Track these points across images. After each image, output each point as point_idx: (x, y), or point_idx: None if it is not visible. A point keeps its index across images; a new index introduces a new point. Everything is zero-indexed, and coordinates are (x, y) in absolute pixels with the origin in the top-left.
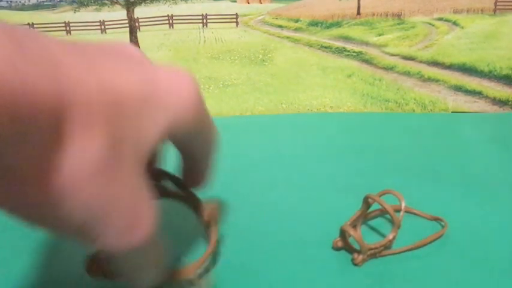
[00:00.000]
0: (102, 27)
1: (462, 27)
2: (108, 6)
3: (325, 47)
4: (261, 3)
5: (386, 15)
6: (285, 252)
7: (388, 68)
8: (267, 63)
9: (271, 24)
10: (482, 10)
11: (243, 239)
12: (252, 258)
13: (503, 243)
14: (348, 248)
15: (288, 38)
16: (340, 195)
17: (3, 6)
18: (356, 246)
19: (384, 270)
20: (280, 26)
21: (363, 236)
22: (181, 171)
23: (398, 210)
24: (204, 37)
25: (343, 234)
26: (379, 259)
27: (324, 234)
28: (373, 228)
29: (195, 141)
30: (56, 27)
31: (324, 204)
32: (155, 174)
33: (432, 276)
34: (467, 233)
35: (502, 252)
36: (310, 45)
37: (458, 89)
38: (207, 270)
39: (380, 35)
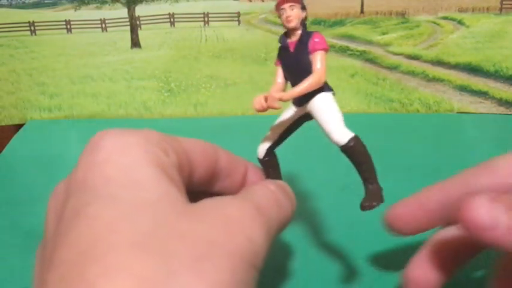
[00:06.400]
0: (103, 25)
1: (467, 27)
2: (109, 5)
3: (328, 46)
4: (263, 1)
5: (390, 14)
6: (284, 252)
7: (392, 68)
8: (269, 62)
9: (274, 23)
10: (487, 9)
11: None
12: None
13: None
14: None
15: None
16: (343, 196)
17: (3, 5)
18: None
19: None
20: (283, 25)
21: None
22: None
23: None
24: (206, 35)
25: None
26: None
27: (325, 234)
28: None
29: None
30: (56, 25)
31: (326, 205)
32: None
33: None
34: None
35: None
36: None
37: (463, 89)
38: None
39: (384, 34)
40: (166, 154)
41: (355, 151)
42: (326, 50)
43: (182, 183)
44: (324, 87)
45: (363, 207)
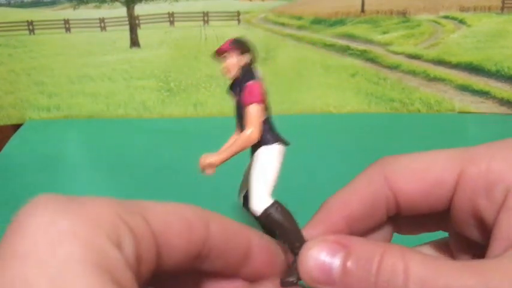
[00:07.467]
0: (102, 24)
1: (469, 26)
2: (108, 4)
3: (329, 45)
4: (263, 0)
5: (391, 13)
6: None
7: (393, 67)
8: (269, 62)
9: (274, 22)
10: (489, 8)
11: None
12: None
13: None
14: None
15: (290, 36)
16: None
17: (2, 4)
18: None
19: None
20: (283, 24)
21: None
22: None
23: None
24: (205, 35)
25: None
26: None
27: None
28: None
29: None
30: (55, 24)
31: None
32: None
33: None
34: None
35: None
36: (313, 43)
37: (465, 89)
38: None
39: (385, 33)
40: (118, 246)
41: (267, 222)
42: (259, 102)
43: (137, 284)
44: (268, 140)
45: (282, 283)
